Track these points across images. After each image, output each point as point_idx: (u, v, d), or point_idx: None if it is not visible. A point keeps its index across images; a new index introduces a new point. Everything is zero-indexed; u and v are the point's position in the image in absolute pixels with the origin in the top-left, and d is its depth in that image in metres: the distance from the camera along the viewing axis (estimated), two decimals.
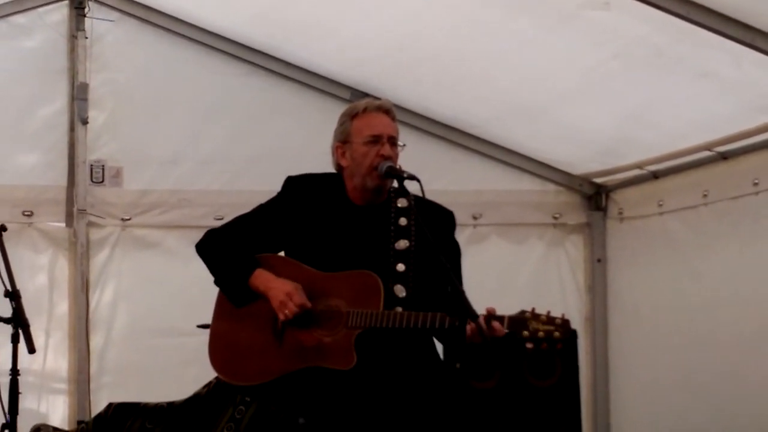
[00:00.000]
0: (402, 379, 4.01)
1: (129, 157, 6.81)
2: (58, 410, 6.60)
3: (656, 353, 6.63)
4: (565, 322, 3.93)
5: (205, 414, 5.34)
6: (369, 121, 4.15)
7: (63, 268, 6.69)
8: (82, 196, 6.69)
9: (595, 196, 7.20)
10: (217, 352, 4.17)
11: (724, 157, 6.09)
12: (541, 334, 3.90)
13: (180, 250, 6.63)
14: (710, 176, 6.24)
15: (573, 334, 6.18)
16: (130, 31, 6.83)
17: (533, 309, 3.93)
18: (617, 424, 7.03)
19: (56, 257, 6.68)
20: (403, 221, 4.14)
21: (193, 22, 6.82)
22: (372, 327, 3.93)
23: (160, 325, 6.67)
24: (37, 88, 6.72)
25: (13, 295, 4.27)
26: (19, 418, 4.26)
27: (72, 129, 6.73)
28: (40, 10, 6.70)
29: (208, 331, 4.23)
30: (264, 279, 4.07)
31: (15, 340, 4.24)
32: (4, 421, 4.28)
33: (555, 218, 7.19)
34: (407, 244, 4.11)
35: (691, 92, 5.64)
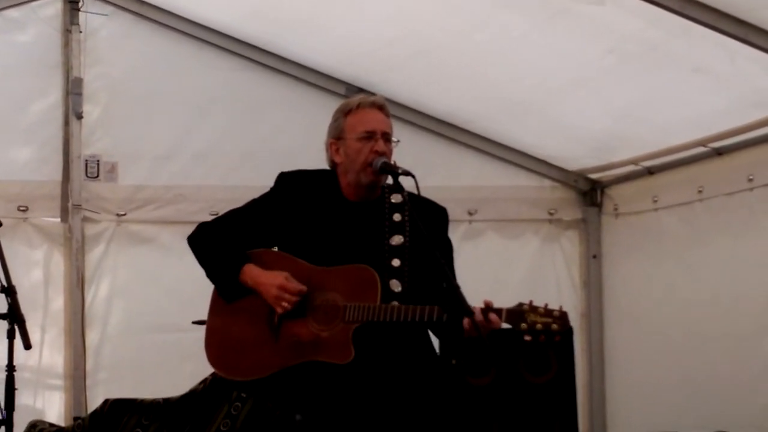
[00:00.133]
0: (399, 374, 4.01)
1: (124, 152, 6.80)
2: (54, 406, 6.60)
3: (651, 348, 6.63)
4: (563, 315, 3.94)
5: (201, 410, 5.33)
6: (362, 117, 4.15)
7: (58, 263, 6.68)
8: (77, 192, 6.68)
9: (590, 192, 7.20)
10: (213, 348, 4.16)
11: (719, 152, 6.09)
12: (539, 326, 3.91)
13: (175, 246, 6.62)
14: (705, 172, 6.24)
15: (569, 330, 6.18)
16: (124, 26, 6.82)
17: (531, 301, 3.94)
18: (613, 420, 7.04)
19: (51, 253, 6.67)
20: (397, 217, 4.14)
21: (187, 17, 6.81)
22: (369, 321, 3.93)
23: (156, 321, 6.66)
24: (31, 83, 6.71)
25: (9, 291, 4.26)
26: (15, 414, 4.26)
27: (66, 124, 6.72)
28: (34, 4, 6.69)
29: (204, 326, 4.23)
30: (253, 274, 4.07)
31: (11, 336, 4.23)
32: (0, 418, 4.28)
33: (550, 214, 7.19)
34: (402, 240, 4.11)
35: (686, 88, 5.64)
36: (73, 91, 6.67)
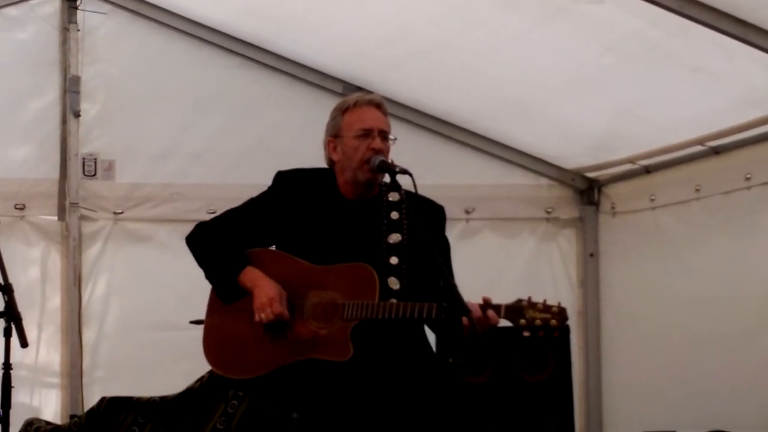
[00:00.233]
0: (396, 372, 4.01)
1: (121, 151, 6.80)
2: (50, 404, 6.59)
3: (648, 347, 6.64)
4: (561, 310, 3.94)
5: (197, 408, 5.33)
6: (360, 115, 4.16)
7: (55, 261, 6.67)
8: (75, 190, 6.67)
9: (587, 190, 7.20)
10: (211, 346, 4.16)
11: (717, 151, 6.10)
12: (537, 322, 3.91)
13: (172, 244, 6.61)
14: (702, 171, 6.25)
15: (566, 328, 6.19)
16: (122, 24, 6.81)
17: (529, 297, 3.94)
18: (609, 419, 7.04)
19: (48, 251, 6.66)
20: (394, 215, 4.15)
21: (185, 15, 6.80)
22: (368, 318, 3.94)
23: (153, 319, 6.66)
24: (29, 81, 6.70)
25: (6, 289, 4.24)
26: (11, 412, 4.24)
27: (64, 122, 6.72)
28: (32, 2, 6.69)
29: (201, 326, 4.23)
30: (252, 277, 4.07)
31: (7, 334, 4.21)
32: None
33: (547, 213, 7.19)
34: (399, 238, 4.11)
35: (684, 87, 5.64)
36: (70, 89, 6.67)
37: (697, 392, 6.18)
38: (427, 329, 4.19)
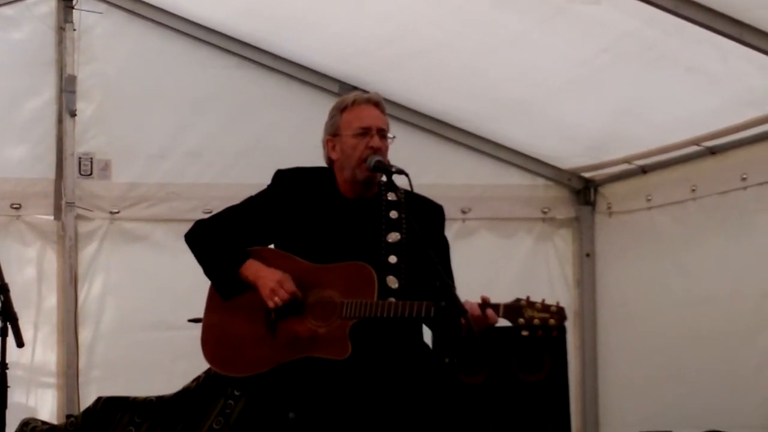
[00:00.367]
0: (394, 372, 4.02)
1: (117, 150, 6.79)
2: (46, 404, 6.58)
3: (644, 347, 6.64)
4: (560, 310, 3.95)
5: (194, 408, 5.33)
6: (358, 113, 4.17)
7: (51, 261, 6.66)
8: (71, 189, 6.66)
9: (583, 190, 7.20)
10: (209, 344, 4.17)
11: (713, 151, 6.11)
12: (536, 321, 3.92)
13: (168, 244, 6.62)
14: (698, 171, 6.26)
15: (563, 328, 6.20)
16: (118, 23, 6.80)
17: (528, 297, 3.96)
18: (606, 418, 7.04)
19: (44, 250, 6.65)
20: (393, 214, 4.15)
21: (181, 15, 6.80)
22: (367, 317, 3.94)
23: (149, 319, 6.65)
24: (25, 81, 6.69)
25: (2, 289, 4.24)
26: (7, 412, 4.24)
27: (60, 121, 6.71)
28: (28, 1, 6.67)
29: (197, 324, 4.23)
30: (254, 269, 4.08)
31: (3, 334, 4.21)
32: None
33: (544, 213, 7.20)
34: (398, 237, 4.12)
35: (680, 87, 5.65)
36: (66, 88, 6.66)
37: (693, 392, 6.19)
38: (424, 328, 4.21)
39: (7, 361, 4.23)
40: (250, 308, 4.07)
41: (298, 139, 6.60)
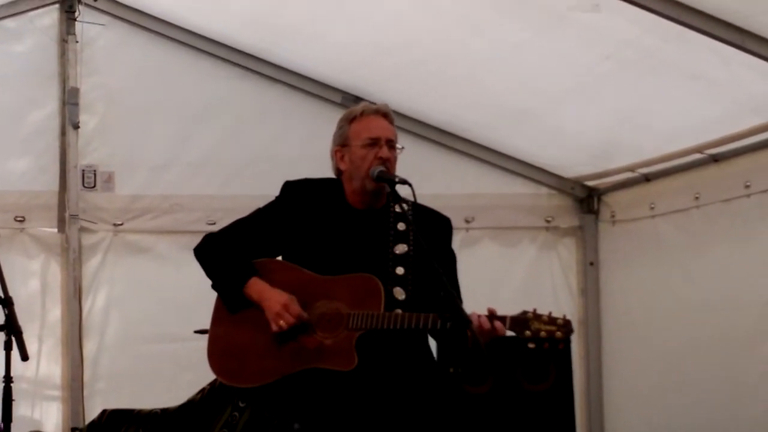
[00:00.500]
0: (399, 383, 4.02)
1: (121, 162, 6.79)
2: (51, 417, 6.58)
3: (649, 356, 6.63)
4: (567, 323, 3.96)
5: (199, 420, 5.32)
6: (367, 124, 4.18)
7: (55, 273, 6.66)
8: (74, 202, 6.66)
9: (587, 199, 7.20)
10: (215, 355, 4.16)
11: (716, 159, 6.10)
12: (543, 334, 3.93)
13: (172, 255, 6.63)
14: (702, 179, 6.25)
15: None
16: (120, 35, 6.81)
17: (534, 309, 3.97)
18: (611, 428, 7.03)
19: (48, 263, 6.65)
20: (401, 226, 4.16)
21: (184, 26, 6.80)
22: (373, 329, 3.94)
23: (153, 331, 6.64)
24: (28, 93, 6.70)
25: (6, 302, 4.24)
26: (12, 425, 4.25)
27: (63, 134, 6.71)
28: (31, 14, 6.68)
29: (202, 336, 4.23)
30: (258, 289, 4.08)
31: (8, 347, 4.21)
32: None
33: (547, 221, 7.19)
34: (406, 249, 4.12)
35: (682, 94, 5.64)
36: (69, 101, 6.66)
37: (698, 400, 6.17)
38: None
39: (12, 375, 4.24)
40: (256, 320, 4.06)
41: (301, 149, 6.62)
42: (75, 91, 6.66)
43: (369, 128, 4.15)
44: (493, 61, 5.99)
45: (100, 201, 6.75)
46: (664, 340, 6.49)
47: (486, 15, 5.57)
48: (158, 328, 6.63)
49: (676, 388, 6.37)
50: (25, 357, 4.17)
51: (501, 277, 7.03)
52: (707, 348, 6.14)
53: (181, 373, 6.26)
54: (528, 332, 3.93)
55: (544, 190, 7.20)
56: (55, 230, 6.70)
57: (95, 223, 6.72)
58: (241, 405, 5.19)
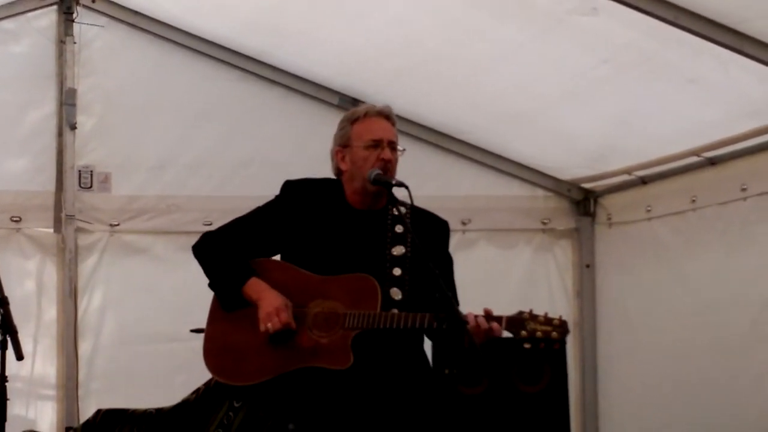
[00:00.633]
0: (395, 383, 4.02)
1: (117, 163, 6.79)
2: (46, 417, 6.57)
3: (645, 358, 6.63)
4: (562, 323, 3.97)
5: (193, 420, 5.31)
6: (369, 125, 4.20)
7: (51, 273, 6.66)
8: (71, 202, 6.65)
9: (583, 201, 7.20)
10: (211, 354, 4.18)
11: (712, 162, 6.11)
12: (539, 334, 3.94)
13: (168, 256, 6.63)
14: (698, 182, 6.26)
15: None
16: (118, 37, 6.80)
17: (531, 310, 3.98)
18: (606, 429, 7.03)
19: (44, 263, 6.65)
20: (399, 228, 4.17)
21: (182, 28, 6.80)
22: (369, 328, 3.94)
23: (149, 331, 6.64)
24: (26, 94, 6.70)
25: (1, 302, 4.24)
26: (7, 424, 4.23)
27: (60, 134, 6.71)
28: (29, 15, 6.67)
29: (197, 336, 4.24)
30: (258, 289, 4.09)
31: (3, 347, 4.21)
32: None
33: (544, 224, 7.20)
34: (403, 250, 4.14)
35: (680, 98, 5.65)
36: (66, 101, 6.66)
37: (694, 403, 6.18)
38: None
39: (6, 374, 4.23)
40: (253, 319, 4.07)
41: (298, 151, 6.63)
42: (72, 92, 6.66)
43: (371, 130, 4.17)
44: (491, 64, 5.99)
45: (96, 201, 6.74)
46: (659, 342, 6.50)
47: (484, 18, 5.58)
48: (154, 328, 6.62)
49: (671, 390, 6.37)
50: (20, 356, 4.17)
51: (497, 279, 7.03)
52: (703, 350, 6.14)
53: (176, 374, 6.26)
54: (524, 332, 3.94)
55: (540, 192, 7.21)
56: (52, 230, 6.69)
57: (91, 223, 6.72)
58: (236, 405, 5.18)
